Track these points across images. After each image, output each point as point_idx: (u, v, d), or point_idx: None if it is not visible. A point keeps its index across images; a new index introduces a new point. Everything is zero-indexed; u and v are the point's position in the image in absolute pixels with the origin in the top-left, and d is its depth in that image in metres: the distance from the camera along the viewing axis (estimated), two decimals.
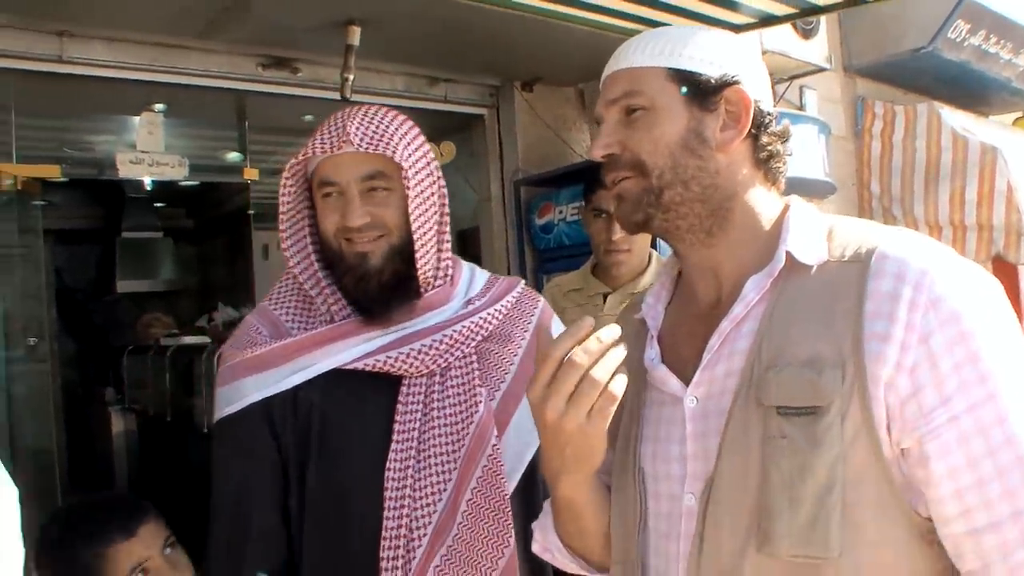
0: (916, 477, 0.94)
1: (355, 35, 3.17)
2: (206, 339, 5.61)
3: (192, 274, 7.87)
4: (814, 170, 5.00)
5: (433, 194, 1.52)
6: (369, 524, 1.42)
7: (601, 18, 3.12)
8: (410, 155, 1.48)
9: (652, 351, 1.15)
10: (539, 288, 4.07)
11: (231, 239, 7.25)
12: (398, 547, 1.41)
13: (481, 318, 1.54)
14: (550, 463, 1.08)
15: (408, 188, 1.46)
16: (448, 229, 1.58)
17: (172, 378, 5.32)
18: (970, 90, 6.33)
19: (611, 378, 0.97)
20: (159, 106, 3.68)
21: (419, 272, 1.50)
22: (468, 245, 4.53)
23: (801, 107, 5.35)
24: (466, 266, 1.66)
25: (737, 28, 3.23)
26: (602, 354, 0.97)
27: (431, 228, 1.52)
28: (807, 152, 4.90)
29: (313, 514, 1.45)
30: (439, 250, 1.55)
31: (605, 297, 2.43)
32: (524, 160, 4.19)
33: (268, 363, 1.48)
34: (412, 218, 1.47)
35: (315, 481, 1.45)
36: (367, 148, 1.43)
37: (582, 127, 4.39)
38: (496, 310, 1.57)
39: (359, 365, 1.47)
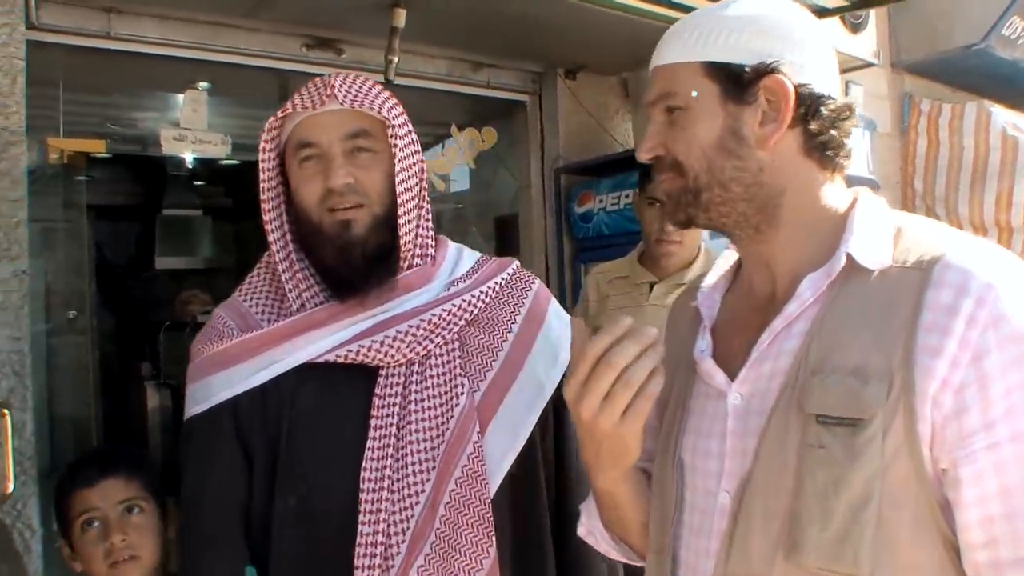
0: (949, 499, 0.91)
1: (400, 17, 3.15)
2: None
3: (229, 253, 7.92)
4: (858, 167, 4.94)
5: (416, 162, 1.44)
6: (343, 530, 1.32)
7: (644, 5, 3.09)
8: (396, 116, 1.40)
9: (703, 342, 1.13)
10: (577, 277, 4.06)
11: (256, 222, 7.28)
12: (375, 555, 1.30)
13: (464, 300, 1.43)
14: (587, 457, 1.08)
15: (396, 148, 1.38)
16: (428, 205, 1.49)
17: None
18: (1023, 89, 6.21)
19: (647, 380, 0.96)
20: (203, 84, 3.69)
21: (401, 244, 1.40)
22: (506, 232, 4.52)
23: None
24: (452, 246, 1.56)
25: None
26: (639, 355, 0.96)
27: (414, 197, 1.43)
28: (852, 148, 4.83)
29: (282, 519, 1.35)
30: (418, 225, 1.45)
31: (651, 286, 2.41)
32: (565, 148, 4.16)
33: (234, 358, 1.39)
34: (398, 181, 1.38)
35: (285, 484, 1.35)
36: (352, 104, 1.36)
37: (624, 116, 4.36)
38: (482, 292, 1.45)
39: (331, 357, 1.37)
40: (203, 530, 1.38)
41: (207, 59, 3.43)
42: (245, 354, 1.38)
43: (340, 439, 1.36)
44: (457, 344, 1.41)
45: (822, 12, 3.50)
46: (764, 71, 1.03)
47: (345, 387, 1.38)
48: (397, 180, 1.39)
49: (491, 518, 1.32)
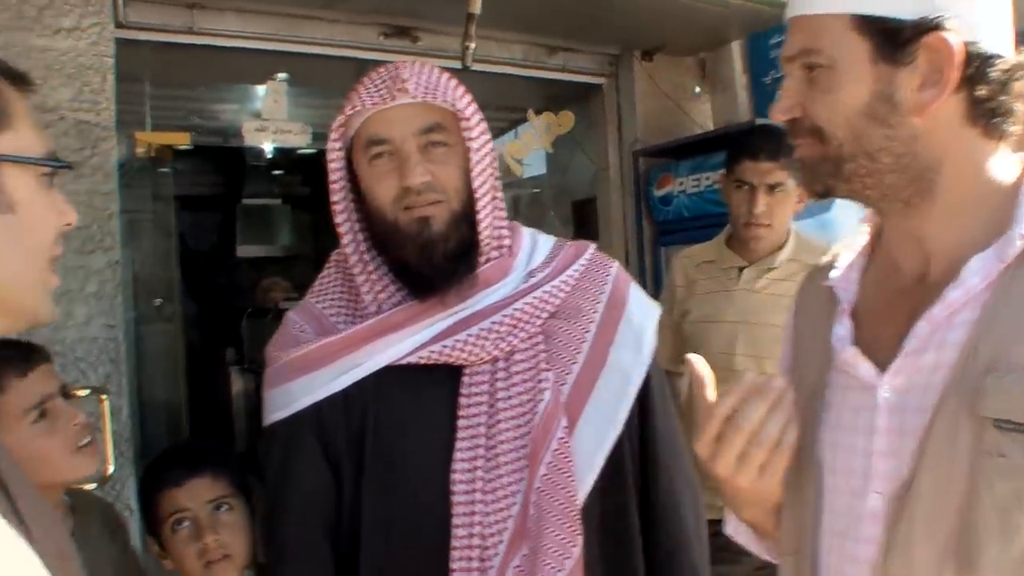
0: None
1: (476, 3, 3.14)
2: None
3: (308, 241, 8.05)
4: None
5: (488, 152, 1.38)
6: (435, 534, 1.28)
7: None
8: (468, 105, 1.34)
9: (842, 328, 1.00)
10: (657, 261, 4.02)
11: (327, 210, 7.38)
12: (471, 557, 1.26)
13: (546, 292, 1.37)
14: (724, 496, 1.04)
15: (471, 140, 1.33)
16: (500, 194, 1.42)
17: None
18: None
19: (781, 435, 0.91)
20: (282, 75, 3.74)
21: (481, 239, 1.35)
22: (584, 216, 4.49)
23: None
24: (526, 232, 1.48)
25: None
26: (769, 413, 0.90)
27: (490, 189, 1.37)
28: None
29: (371, 526, 1.31)
30: (494, 216, 1.39)
31: (740, 271, 2.35)
32: (643, 130, 4.11)
33: (315, 363, 1.35)
34: (474, 175, 1.33)
35: (372, 490, 1.31)
36: (424, 97, 1.29)
37: (703, 97, 4.29)
38: (562, 282, 1.39)
39: (413, 359, 1.32)
40: (289, 542, 1.35)
41: (287, 50, 3.48)
42: (326, 358, 1.34)
43: (427, 442, 1.32)
44: (541, 338, 1.36)
45: None
46: (927, 27, 0.88)
47: (429, 388, 1.34)
48: (473, 173, 1.34)
49: (577, 517, 1.27)
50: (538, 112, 4.05)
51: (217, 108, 4.39)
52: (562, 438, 1.29)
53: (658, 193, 3.99)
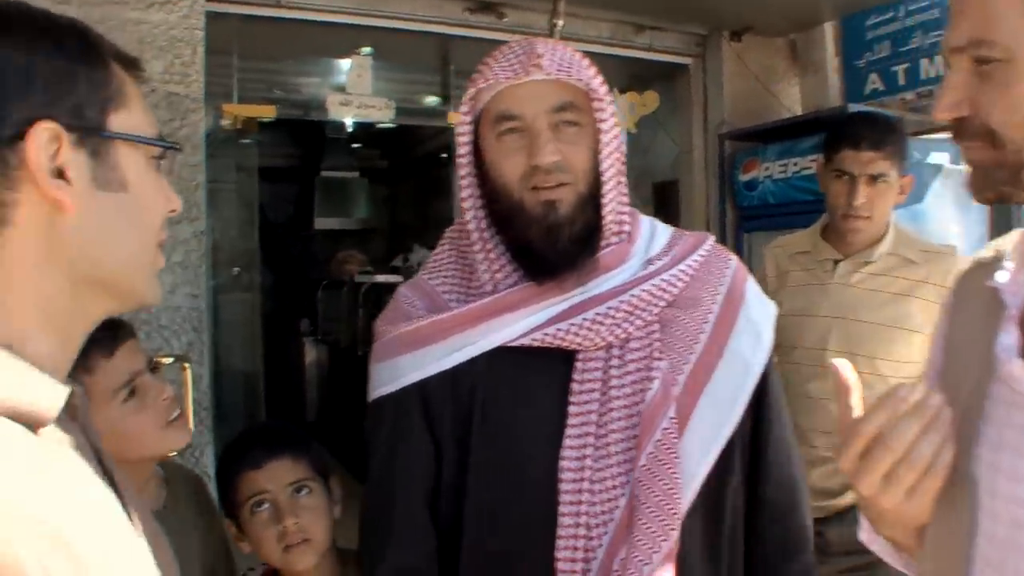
0: None
1: None
2: (398, 278, 5.77)
3: (383, 214, 8.12)
4: None
5: (617, 134, 1.32)
6: (542, 522, 1.25)
7: None
8: (600, 84, 1.30)
9: (1009, 337, 0.89)
10: (739, 247, 3.93)
11: (422, 181, 7.41)
12: (576, 548, 1.23)
13: (664, 280, 1.33)
14: (865, 513, 0.97)
15: (602, 121, 1.29)
16: (624, 178, 1.37)
17: (365, 314, 5.52)
18: None
19: (935, 456, 0.82)
20: (366, 49, 3.75)
21: (604, 223, 1.30)
22: (665, 199, 4.41)
23: None
24: (645, 220, 1.43)
25: None
26: (921, 431, 0.82)
27: (616, 172, 1.32)
28: None
29: (475, 508, 1.29)
30: (618, 201, 1.34)
31: (835, 263, 2.26)
32: (729, 113, 4.01)
33: (425, 339, 1.32)
34: (602, 156, 1.29)
35: (477, 472, 1.29)
36: (558, 74, 1.25)
37: (792, 80, 4.16)
38: (681, 271, 1.35)
39: (527, 341, 1.29)
40: (390, 517, 1.33)
41: (371, 25, 3.47)
42: (437, 335, 1.31)
43: (536, 426, 1.28)
44: (658, 327, 1.32)
45: None
46: None
47: (540, 372, 1.30)
48: (602, 155, 1.29)
49: (674, 511, 1.23)
50: (622, 92, 3.98)
51: (300, 81, 4.42)
52: (667, 428, 1.24)
53: (743, 178, 3.90)
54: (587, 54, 1.36)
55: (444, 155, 6.40)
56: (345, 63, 3.87)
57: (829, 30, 3.99)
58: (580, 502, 1.24)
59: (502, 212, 1.30)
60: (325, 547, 1.50)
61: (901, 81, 3.69)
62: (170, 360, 2.60)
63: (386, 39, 3.64)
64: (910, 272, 2.17)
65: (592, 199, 1.28)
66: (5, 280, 0.71)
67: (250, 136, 4.16)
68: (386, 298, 5.27)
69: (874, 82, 3.81)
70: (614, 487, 1.24)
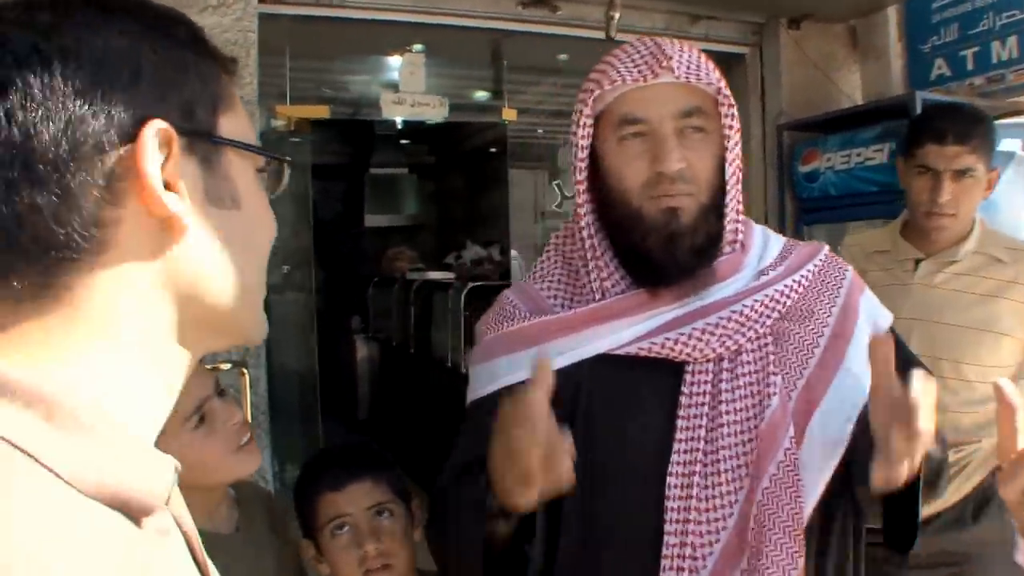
0: None
1: None
2: (450, 275, 5.75)
3: (432, 210, 8.10)
4: None
5: (739, 139, 1.27)
6: (645, 541, 1.20)
7: None
8: (724, 88, 1.23)
9: None
10: (801, 239, 3.82)
11: (470, 176, 7.39)
12: (682, 568, 1.18)
13: (777, 291, 1.27)
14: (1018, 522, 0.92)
15: (729, 128, 1.23)
16: (741, 185, 1.30)
17: (416, 311, 5.51)
18: None
19: None
20: (417, 47, 3.71)
21: (726, 233, 1.25)
22: None
23: None
24: (758, 229, 1.38)
25: None
26: None
27: (736, 182, 1.26)
28: None
29: (573, 521, 1.23)
30: (736, 210, 1.28)
31: (917, 263, 2.15)
32: (788, 102, 3.90)
33: (528, 340, 1.28)
34: (728, 161, 1.23)
35: (577, 483, 1.18)
36: (688, 77, 1.18)
37: (852, 67, 4.04)
38: (795, 281, 1.28)
39: (633, 349, 1.23)
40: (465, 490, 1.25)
41: (423, 22, 3.42)
42: (540, 336, 1.27)
43: (642, 440, 1.23)
44: (770, 339, 1.25)
45: None
46: None
47: (646, 382, 1.25)
48: (728, 161, 1.23)
49: (799, 535, 1.17)
50: None
51: (351, 79, 4.41)
52: (789, 449, 1.18)
53: (803, 169, 3.79)
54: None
55: (493, 150, 6.36)
56: (396, 60, 3.84)
57: (892, 14, 3.86)
58: (688, 520, 1.18)
59: (618, 218, 1.25)
60: (406, 572, 1.46)
61: (970, 66, 3.56)
62: (228, 366, 2.59)
63: (438, 36, 3.60)
64: (998, 272, 2.07)
65: (713, 208, 1.23)
66: (105, 318, 0.57)
67: (302, 135, 4.16)
68: (438, 295, 5.30)
69: (940, 67, 3.68)
70: (722, 506, 1.19)
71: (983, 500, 2.07)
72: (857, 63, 4.06)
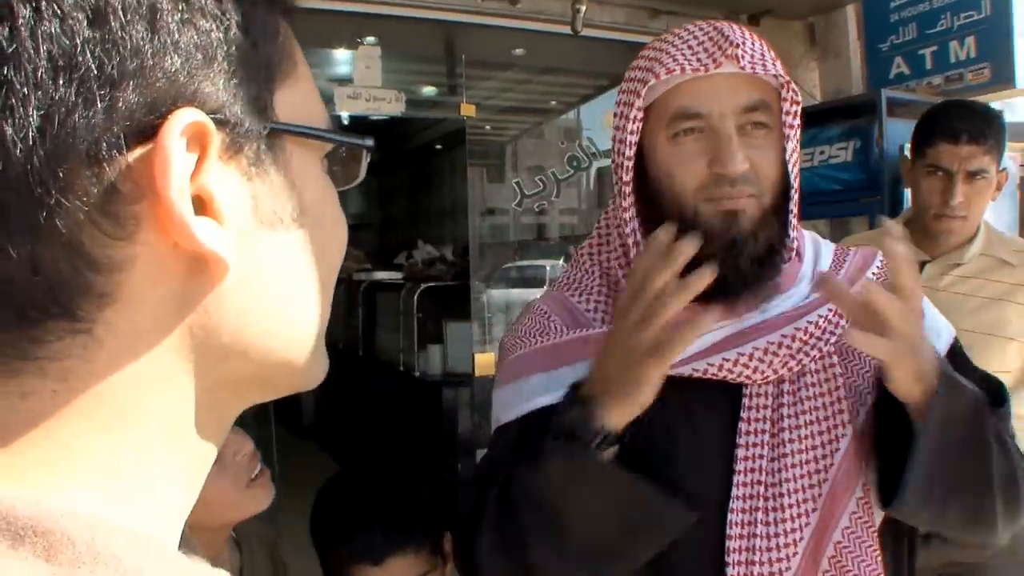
0: None
1: None
2: (398, 276, 5.61)
3: (375, 208, 7.94)
4: None
5: (799, 136, 1.14)
6: None
7: None
8: (790, 81, 1.10)
9: None
10: None
11: (415, 173, 7.25)
12: None
13: None
14: None
15: (792, 127, 1.10)
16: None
17: (364, 313, 5.37)
18: None
19: None
20: (370, 39, 3.58)
21: (788, 241, 1.11)
22: None
23: None
24: (807, 235, 1.24)
25: None
26: None
27: (798, 184, 1.13)
28: None
29: None
30: (796, 214, 1.14)
31: (922, 266, 2.08)
32: None
33: (565, 357, 1.14)
34: (791, 163, 1.10)
35: None
36: (754, 68, 1.03)
37: (811, 65, 4.02)
38: (857, 293, 1.11)
39: (686, 370, 1.09)
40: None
41: (376, 12, 3.29)
42: (579, 353, 1.12)
43: (699, 471, 1.10)
44: (836, 359, 1.13)
45: None
46: None
47: (702, 408, 1.11)
48: (791, 162, 1.10)
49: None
50: None
51: None
52: (861, 498, 1.06)
53: None
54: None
55: (439, 147, 6.24)
56: (345, 54, 3.70)
57: (851, 12, 3.85)
58: (753, 562, 1.06)
59: (667, 222, 1.08)
60: None
61: (929, 65, 3.56)
62: None
63: (391, 28, 3.47)
64: (1005, 275, 2.01)
65: (776, 212, 1.08)
66: (107, 399, 0.39)
67: None
68: (386, 296, 5.13)
69: (899, 66, 3.67)
70: (789, 543, 1.07)
71: None
72: (816, 60, 4.04)
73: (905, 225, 2.14)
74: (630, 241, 1.14)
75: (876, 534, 1.06)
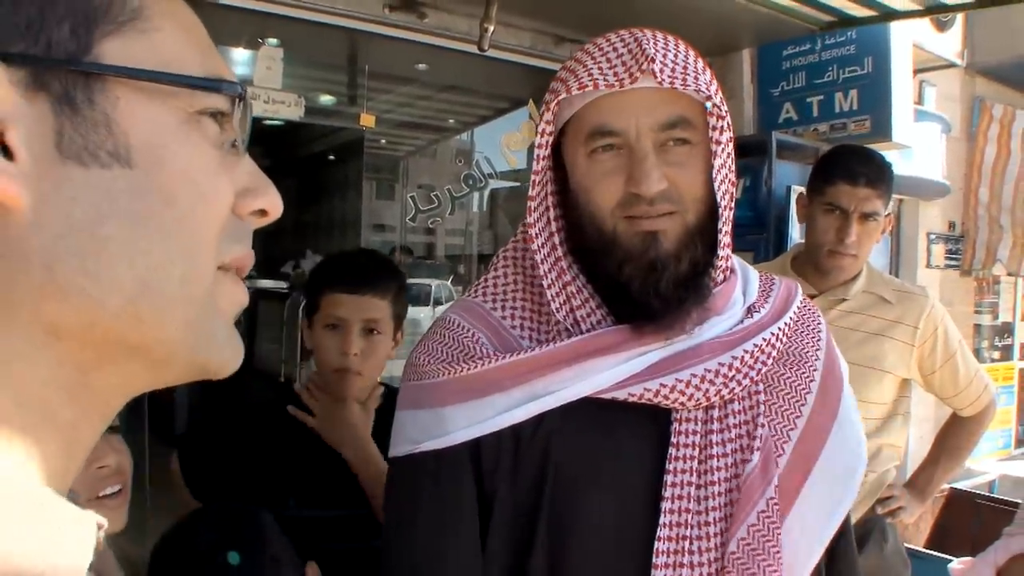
0: None
1: None
2: (282, 285, 5.49)
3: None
4: (932, 170, 4.74)
5: (731, 152, 1.09)
6: None
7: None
8: (717, 94, 1.05)
9: None
10: None
11: (305, 182, 7.13)
12: None
13: (772, 334, 1.11)
14: None
15: (718, 142, 1.04)
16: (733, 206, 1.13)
17: (245, 321, 5.22)
18: None
19: None
20: (272, 40, 3.51)
21: (719, 262, 1.08)
22: None
23: (920, 102, 5.06)
24: (734, 259, 1.18)
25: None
26: None
27: (730, 200, 1.09)
28: (927, 150, 4.64)
29: None
30: (726, 233, 1.10)
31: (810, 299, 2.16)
32: None
33: (491, 386, 1.07)
34: (717, 181, 1.05)
35: (546, 556, 1.05)
36: (672, 82, 0.98)
37: (744, 97, 4.14)
38: (785, 324, 1.14)
39: (619, 394, 1.04)
40: None
41: (279, 13, 3.22)
42: (508, 380, 1.06)
43: (625, 502, 1.06)
44: (761, 386, 1.10)
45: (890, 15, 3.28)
46: None
47: (625, 432, 1.07)
48: (718, 179, 1.05)
49: None
50: (538, 103, 3.87)
51: None
52: (764, 511, 1.03)
53: None
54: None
55: (331, 157, 6.15)
56: (244, 54, 3.61)
57: (746, 56, 4.00)
58: None
59: (588, 242, 1.06)
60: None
61: (815, 112, 3.74)
62: None
63: (293, 30, 3.41)
64: (885, 312, 2.12)
65: (700, 231, 1.05)
66: None
67: None
68: (267, 305, 4.99)
69: (788, 111, 3.84)
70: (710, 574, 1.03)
71: (864, 532, 2.10)
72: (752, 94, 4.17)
73: (793, 260, 2.23)
74: (541, 256, 1.09)
75: (775, 549, 1.04)
